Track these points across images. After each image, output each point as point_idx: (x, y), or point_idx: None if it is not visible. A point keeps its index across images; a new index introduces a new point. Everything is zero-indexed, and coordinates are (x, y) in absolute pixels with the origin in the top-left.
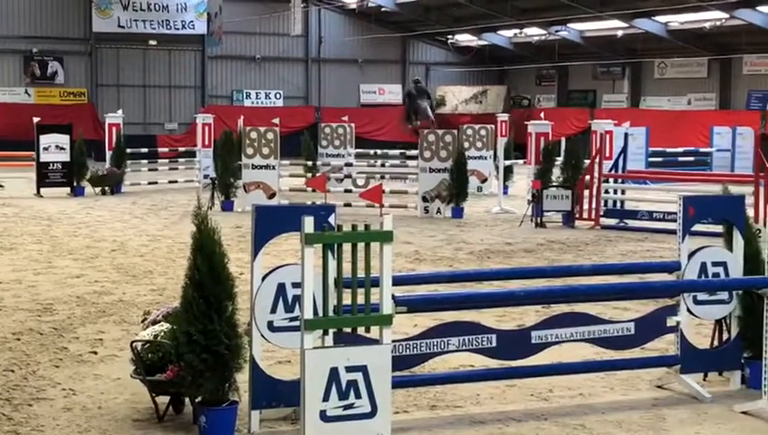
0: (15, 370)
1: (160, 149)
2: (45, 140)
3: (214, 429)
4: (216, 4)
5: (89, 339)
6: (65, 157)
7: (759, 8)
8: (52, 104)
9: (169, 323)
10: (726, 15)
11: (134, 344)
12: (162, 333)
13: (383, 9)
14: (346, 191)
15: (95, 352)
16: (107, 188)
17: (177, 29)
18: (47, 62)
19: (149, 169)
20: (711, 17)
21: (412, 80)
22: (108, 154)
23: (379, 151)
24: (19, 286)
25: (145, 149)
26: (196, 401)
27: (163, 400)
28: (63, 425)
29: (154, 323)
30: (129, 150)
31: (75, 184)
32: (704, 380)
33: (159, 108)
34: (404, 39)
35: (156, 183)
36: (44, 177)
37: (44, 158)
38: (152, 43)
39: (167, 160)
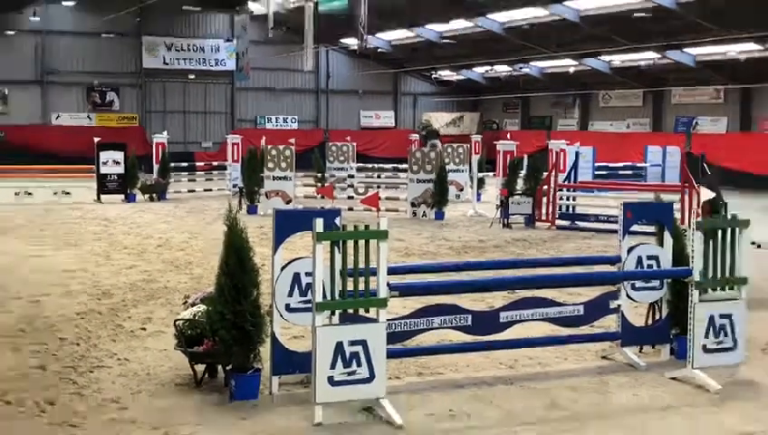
0: (80, 343)
1: (197, 164)
2: (104, 155)
3: (241, 391)
4: (243, 46)
5: (139, 318)
6: (120, 169)
7: (684, 50)
8: (110, 127)
9: (205, 305)
10: (658, 56)
11: (176, 322)
12: (200, 314)
13: (379, 50)
14: (349, 198)
15: (144, 329)
16: (154, 195)
17: (212, 66)
18: (106, 93)
19: (189, 180)
20: (646, 57)
21: (419, 128)
22: (155, 167)
23: (375, 165)
24: (83, 275)
25: (185, 164)
26: (227, 368)
27: (200, 368)
28: (118, 388)
29: (193, 305)
30: (172, 164)
31: (128, 191)
32: (640, 351)
33: (197, 130)
34: (396, 74)
35: (194, 191)
36: (103, 186)
37: (103, 170)
38: (191, 77)
39: (203, 172)
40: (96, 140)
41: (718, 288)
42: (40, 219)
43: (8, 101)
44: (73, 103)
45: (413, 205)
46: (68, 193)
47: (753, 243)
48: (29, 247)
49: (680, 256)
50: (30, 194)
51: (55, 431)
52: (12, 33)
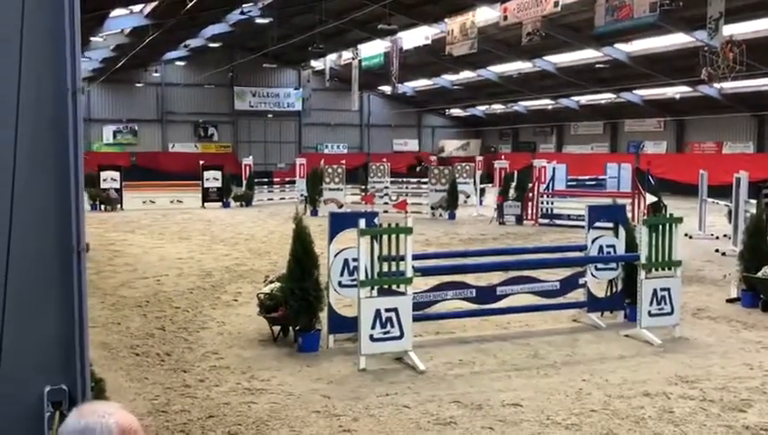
0: (190, 310)
1: (275, 179)
2: (207, 174)
3: (306, 345)
4: (307, 92)
5: (233, 292)
6: (218, 184)
7: (634, 92)
8: (211, 153)
9: (280, 283)
10: (614, 96)
11: (259, 295)
12: (276, 289)
13: (407, 94)
14: (385, 204)
15: (236, 300)
16: (243, 202)
17: (284, 107)
18: (208, 128)
19: (268, 191)
20: (605, 97)
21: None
22: (243, 182)
23: (404, 180)
24: (191, 261)
25: (265, 179)
26: (296, 329)
27: (276, 329)
28: (218, 342)
29: (271, 282)
30: (256, 180)
31: (224, 200)
32: (601, 316)
33: (274, 154)
34: (419, 112)
35: (272, 199)
36: (206, 196)
37: (206, 184)
38: (269, 116)
39: (278, 186)
40: (201, 162)
41: (659, 269)
42: (160, 220)
43: (138, 134)
44: (184, 136)
45: (432, 208)
46: (180, 201)
47: (685, 234)
48: (152, 241)
49: (631, 244)
50: (153, 202)
51: (171, 375)
52: (140, 84)
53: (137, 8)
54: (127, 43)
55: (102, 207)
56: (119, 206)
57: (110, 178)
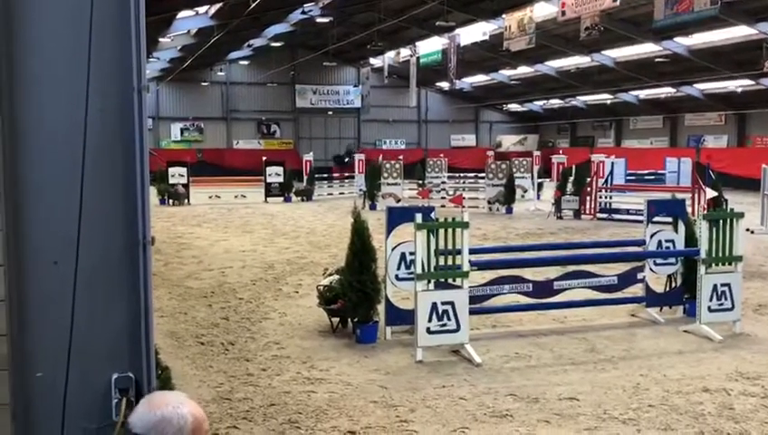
0: (252, 301)
1: (334, 174)
2: (269, 169)
3: (364, 337)
4: (366, 90)
5: (294, 284)
6: (280, 179)
7: (694, 85)
8: (273, 149)
9: (339, 275)
10: (674, 90)
11: (319, 287)
12: (335, 281)
13: (464, 90)
14: (442, 198)
15: (297, 292)
16: (304, 197)
17: (344, 104)
18: (270, 125)
19: (328, 186)
20: (665, 91)
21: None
22: (304, 177)
23: (461, 174)
24: (254, 254)
25: (325, 175)
26: (354, 320)
27: (335, 320)
28: (279, 332)
29: (330, 275)
30: (316, 175)
31: (286, 195)
32: (660, 311)
33: (333, 150)
34: (476, 108)
35: (332, 194)
36: (269, 191)
37: (269, 180)
38: (329, 113)
39: (338, 181)
40: (264, 158)
41: (720, 264)
42: (225, 214)
43: (204, 131)
44: (248, 133)
45: (489, 202)
46: (244, 196)
47: (747, 230)
48: (218, 234)
49: (691, 239)
50: (218, 197)
51: (235, 363)
52: (206, 84)
53: (202, 9)
54: (193, 44)
55: (171, 201)
56: (186, 200)
57: (177, 174)
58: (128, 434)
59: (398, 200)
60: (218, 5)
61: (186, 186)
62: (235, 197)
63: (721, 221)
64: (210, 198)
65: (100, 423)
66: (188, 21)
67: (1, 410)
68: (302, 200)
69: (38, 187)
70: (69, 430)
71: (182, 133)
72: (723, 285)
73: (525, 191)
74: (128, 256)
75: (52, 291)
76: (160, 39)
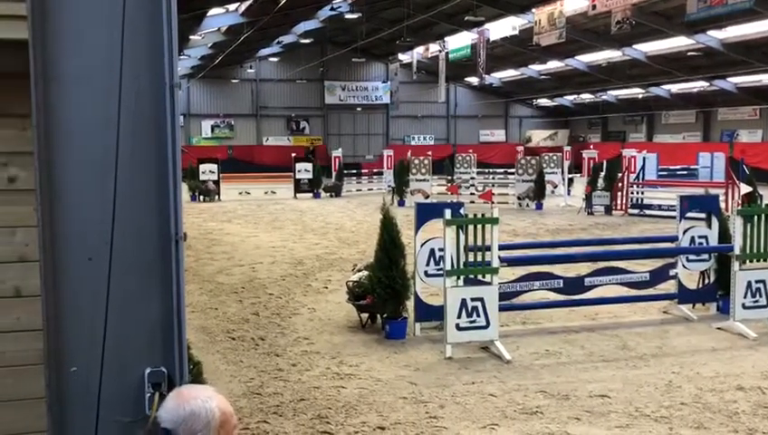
0: (282, 297)
1: (363, 170)
2: (299, 166)
3: (393, 333)
4: (395, 85)
5: (323, 279)
6: (310, 175)
7: (727, 79)
8: (302, 146)
9: (368, 271)
10: (707, 84)
11: (348, 283)
12: (364, 277)
13: (493, 85)
14: (471, 194)
15: (326, 287)
16: (333, 193)
17: (372, 100)
18: (299, 121)
19: (356, 182)
20: (697, 85)
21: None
22: (333, 174)
23: (490, 170)
24: (284, 249)
25: (354, 171)
26: (383, 316)
27: (364, 316)
28: (309, 328)
29: (359, 271)
30: (345, 171)
31: (315, 191)
32: (693, 308)
33: (362, 146)
34: (506, 103)
35: (360, 190)
36: (298, 187)
37: (298, 176)
38: (358, 109)
39: (367, 177)
40: (293, 155)
41: (754, 260)
42: (255, 211)
43: (234, 128)
44: (278, 129)
45: (519, 198)
46: (274, 192)
47: None
48: (248, 230)
49: (724, 235)
50: (249, 193)
51: (265, 359)
52: (236, 81)
53: (232, 7)
54: (223, 41)
55: (201, 197)
56: (216, 196)
57: (208, 171)
58: (157, 428)
59: (427, 196)
60: (248, 3)
61: (216, 182)
62: (265, 193)
63: (755, 217)
64: (240, 194)
65: (134, 417)
66: (219, 18)
67: (37, 404)
68: (331, 196)
69: (72, 185)
70: (102, 423)
71: (213, 130)
72: (757, 281)
73: (555, 187)
74: (161, 252)
75: (87, 287)
76: (191, 37)
